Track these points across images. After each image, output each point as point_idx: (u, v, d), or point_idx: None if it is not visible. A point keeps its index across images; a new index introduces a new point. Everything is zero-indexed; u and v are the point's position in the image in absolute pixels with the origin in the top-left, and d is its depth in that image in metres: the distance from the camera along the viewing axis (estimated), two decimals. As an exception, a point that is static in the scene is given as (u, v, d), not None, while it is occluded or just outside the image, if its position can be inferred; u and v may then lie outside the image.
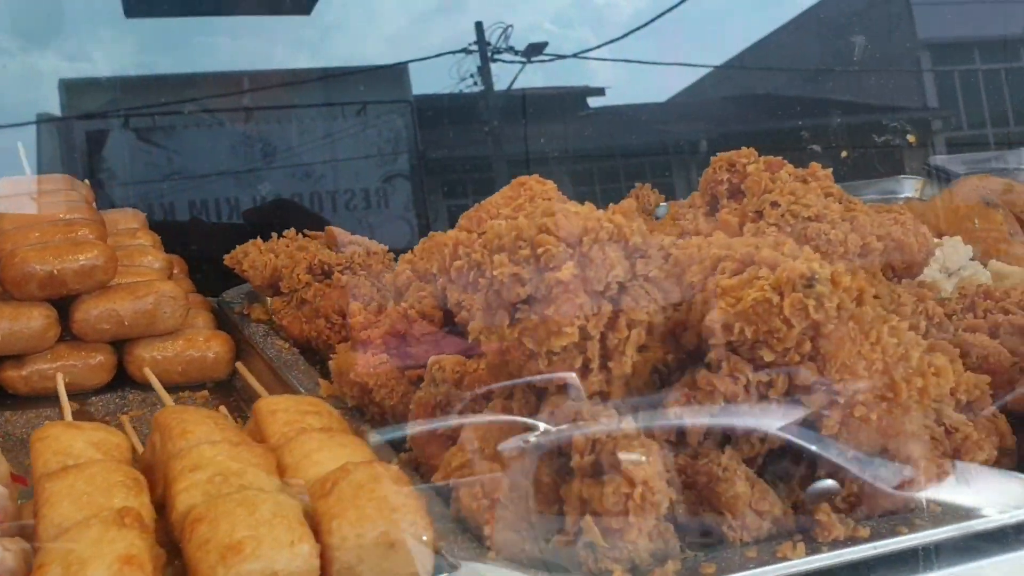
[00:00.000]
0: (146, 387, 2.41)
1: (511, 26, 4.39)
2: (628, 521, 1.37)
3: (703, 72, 4.65)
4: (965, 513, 1.52)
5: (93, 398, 2.42)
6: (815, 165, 2.09)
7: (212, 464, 1.55)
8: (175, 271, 2.79)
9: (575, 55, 4.57)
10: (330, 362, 2.04)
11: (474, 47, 4.37)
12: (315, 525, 1.43)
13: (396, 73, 4.28)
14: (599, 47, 4.54)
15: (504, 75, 4.43)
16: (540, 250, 1.50)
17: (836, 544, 1.43)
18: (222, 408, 2.21)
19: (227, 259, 2.57)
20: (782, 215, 1.83)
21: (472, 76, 4.39)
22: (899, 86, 4.82)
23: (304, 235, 2.63)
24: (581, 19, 4.70)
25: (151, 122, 3.79)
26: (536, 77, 4.51)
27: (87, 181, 2.98)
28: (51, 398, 2.28)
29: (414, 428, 1.77)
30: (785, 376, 1.49)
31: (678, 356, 1.63)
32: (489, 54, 4.36)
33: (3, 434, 2.25)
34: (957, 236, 2.81)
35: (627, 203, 1.63)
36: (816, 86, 4.68)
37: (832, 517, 1.46)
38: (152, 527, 1.47)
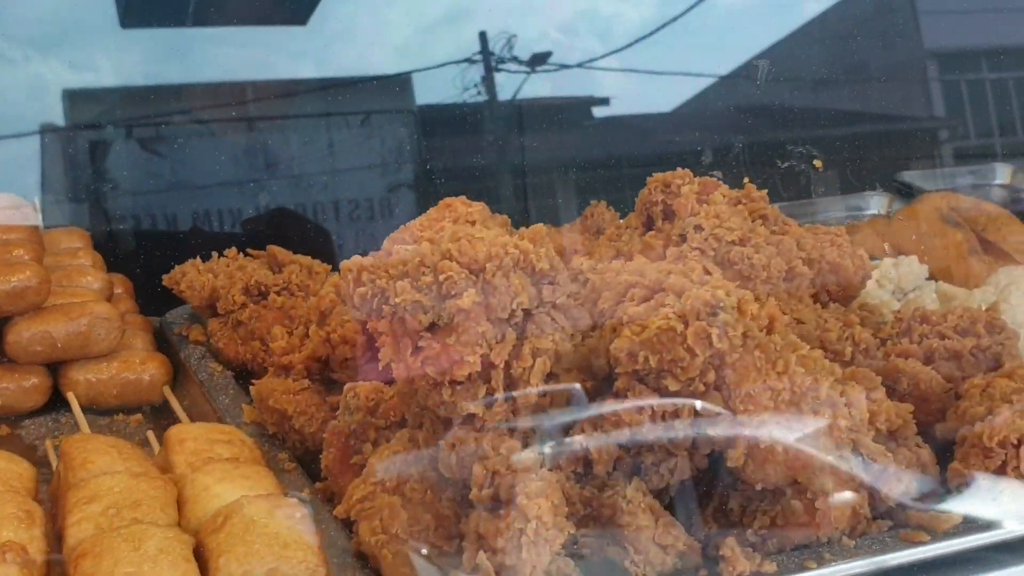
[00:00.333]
0: (81, 410, 2.37)
1: (515, 36, 4.36)
2: (521, 557, 1.34)
3: (709, 82, 4.61)
4: (879, 548, 1.48)
5: (26, 421, 2.38)
6: (750, 186, 2.06)
7: (108, 496, 1.52)
8: (119, 291, 2.76)
9: (579, 65, 4.54)
10: (251, 387, 2.00)
11: (478, 57, 4.35)
12: (204, 561, 1.39)
13: (400, 83, 4.26)
14: (604, 57, 4.52)
15: (509, 85, 4.40)
16: (442, 277, 1.46)
17: (741, 580, 1.39)
18: (149, 434, 2.18)
19: (166, 279, 2.53)
20: (705, 239, 1.80)
21: (476, 86, 4.36)
22: (905, 96, 4.78)
23: (247, 254, 2.59)
24: (588, 29, 4.66)
25: (154, 132, 3.76)
26: (542, 87, 4.49)
27: (36, 200, 2.95)
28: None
29: (327, 457, 1.73)
30: (691, 406, 1.45)
31: (595, 384, 1.59)
32: (493, 64, 4.34)
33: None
34: (913, 256, 2.77)
35: (537, 228, 1.59)
36: (822, 96, 4.65)
37: (737, 552, 1.42)
38: (42, 561, 1.43)
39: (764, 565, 1.42)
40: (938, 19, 4.79)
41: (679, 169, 2.12)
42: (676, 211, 1.90)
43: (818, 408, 1.45)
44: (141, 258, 3.31)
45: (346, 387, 1.75)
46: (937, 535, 1.51)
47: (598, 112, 4.70)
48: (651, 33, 4.42)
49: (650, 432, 1.47)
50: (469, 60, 4.32)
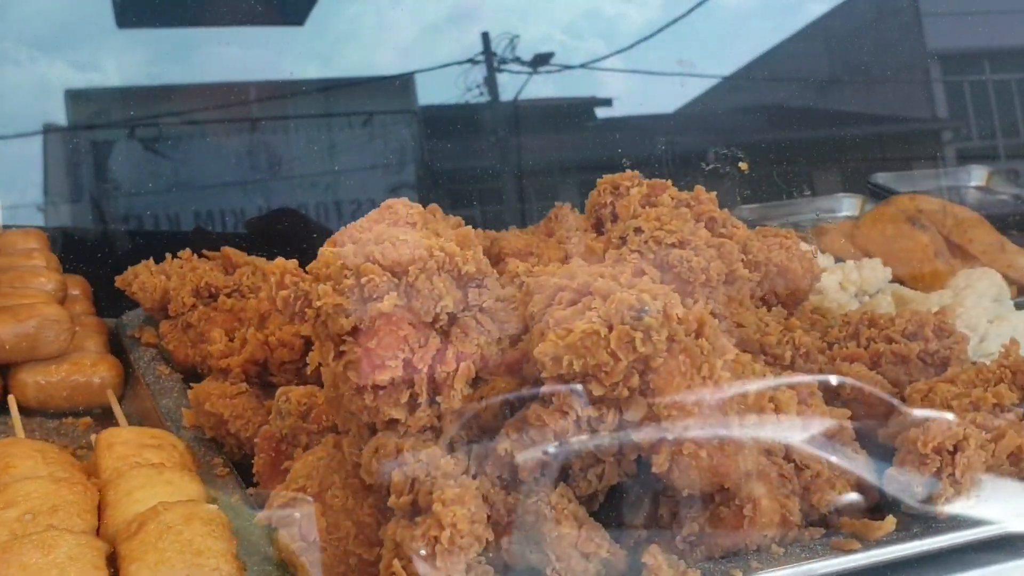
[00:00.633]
0: (31, 413, 2.34)
1: (517, 36, 4.36)
2: (436, 566, 1.31)
3: (712, 83, 4.60)
4: (808, 556, 1.46)
5: (-26, 424, 2.36)
6: (699, 188, 2.03)
7: (26, 501, 1.49)
8: (75, 293, 2.73)
9: (582, 65, 4.54)
10: (189, 392, 1.98)
11: (481, 58, 4.34)
12: (117, 568, 1.37)
13: (403, 84, 4.25)
14: (606, 57, 4.51)
15: (513, 86, 4.39)
16: (364, 280, 1.44)
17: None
18: (93, 437, 2.15)
19: (119, 280, 2.51)
20: (645, 241, 1.77)
21: (479, 87, 4.35)
22: (909, 96, 4.77)
23: (201, 256, 2.57)
24: (592, 30, 4.65)
25: (157, 132, 3.75)
26: (546, 88, 4.49)
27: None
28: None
29: (259, 462, 1.71)
30: (615, 411, 1.42)
31: (525, 389, 1.56)
32: (496, 65, 4.33)
33: None
34: (876, 258, 2.75)
35: (465, 230, 1.56)
36: (826, 97, 4.64)
37: (660, 560, 1.39)
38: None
39: (688, 573, 1.40)
40: (939, 20, 4.77)
41: (626, 172, 2.10)
42: (618, 213, 1.88)
43: (745, 413, 1.42)
44: (109, 259, 3.28)
45: (278, 391, 1.73)
46: (869, 543, 1.48)
47: (600, 112, 4.70)
48: (653, 34, 4.41)
49: (575, 437, 1.44)
50: (472, 61, 4.32)
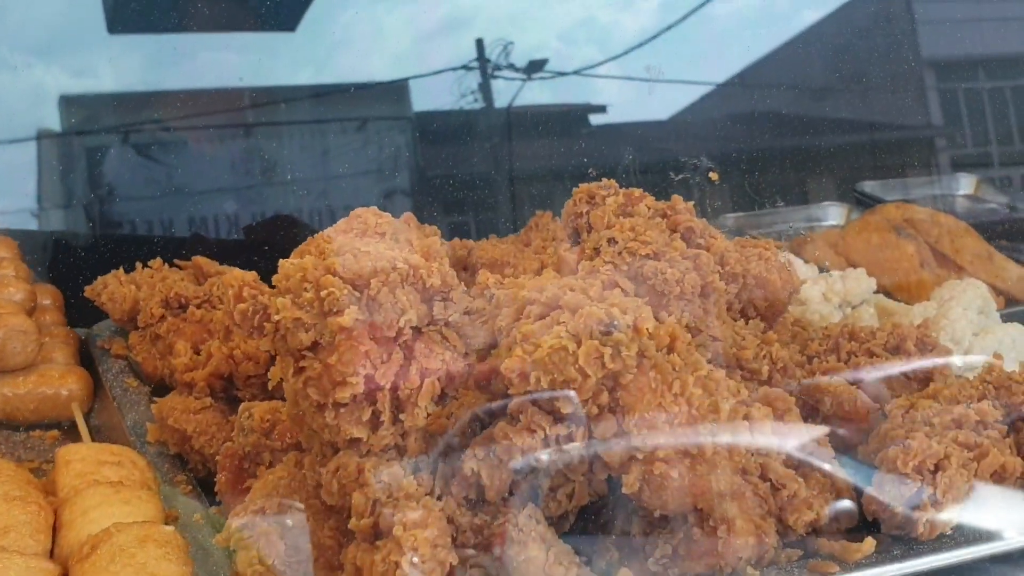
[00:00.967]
0: (-1, 425, 2.30)
1: (512, 43, 4.33)
2: (396, 592, 1.26)
3: (705, 90, 4.59)
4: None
5: (-62, 438, 2.30)
6: (676, 198, 1.98)
7: (-24, 522, 1.44)
8: (46, 302, 2.68)
9: (576, 72, 4.52)
10: (153, 406, 1.93)
11: (475, 64, 4.31)
12: (66, 593, 1.32)
13: (397, 90, 4.23)
14: (600, 64, 4.49)
15: (507, 92, 4.37)
16: (324, 293, 1.39)
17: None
18: (61, 449, 2.10)
19: (88, 291, 2.46)
20: (619, 253, 1.72)
21: (473, 93, 4.33)
22: (903, 104, 4.74)
23: (172, 265, 2.52)
24: (587, 37, 4.63)
25: (151, 138, 3.71)
26: (541, 95, 4.47)
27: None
28: None
29: (221, 480, 1.66)
30: (584, 430, 1.37)
31: (493, 406, 1.51)
32: (490, 71, 4.30)
33: None
34: (861, 268, 2.70)
35: (431, 241, 1.51)
36: (820, 105, 4.62)
37: (630, 584, 1.35)
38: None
39: (659, 598, 1.35)
40: (933, 28, 4.75)
41: (603, 180, 2.05)
42: (592, 223, 1.83)
43: (717, 431, 1.37)
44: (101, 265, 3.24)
45: (241, 407, 1.68)
46: (848, 566, 1.44)
47: (594, 119, 4.68)
48: (647, 41, 4.39)
49: (544, 456, 1.40)
50: (466, 67, 4.29)
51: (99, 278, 2.46)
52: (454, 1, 4.37)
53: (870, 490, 1.54)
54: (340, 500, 1.40)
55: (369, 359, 1.39)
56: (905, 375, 1.84)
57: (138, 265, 2.49)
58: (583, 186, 2.04)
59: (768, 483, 1.49)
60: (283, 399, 1.69)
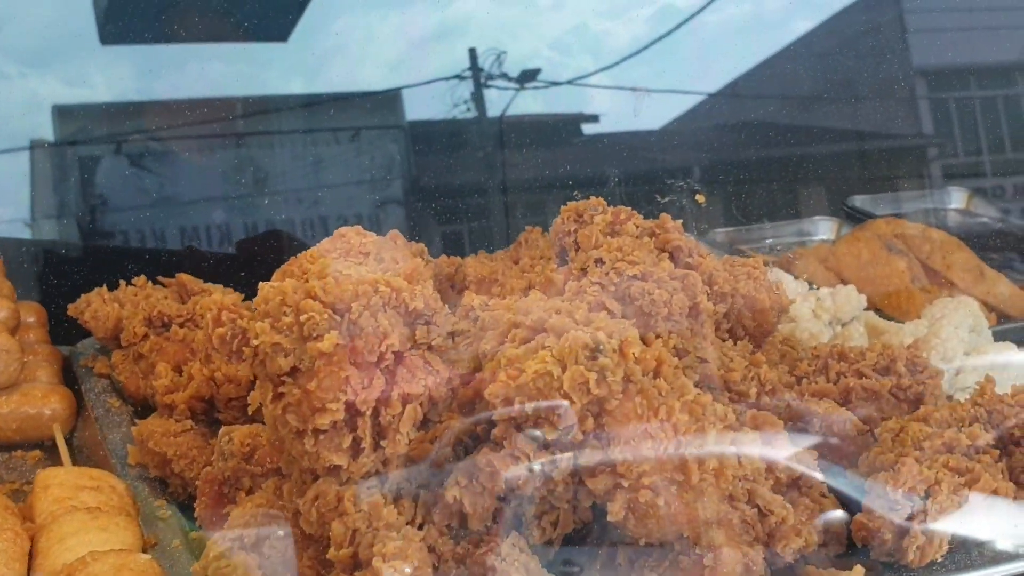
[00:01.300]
0: (-18, 447, 2.26)
1: (505, 52, 4.33)
2: (375, 625, 1.23)
3: (698, 99, 4.59)
4: None
5: (-84, 459, 2.27)
6: (665, 216, 1.96)
7: (-52, 552, 1.41)
8: (30, 320, 2.65)
9: (569, 82, 4.52)
10: (133, 428, 1.90)
11: (468, 73, 4.31)
12: (39, 625, 1.29)
13: (390, 99, 4.22)
14: (593, 74, 4.49)
15: (500, 102, 4.37)
16: (303, 317, 1.36)
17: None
18: (39, 473, 2.07)
19: (71, 309, 2.43)
20: (606, 273, 1.70)
21: (466, 102, 4.33)
22: (895, 114, 4.74)
23: (157, 282, 2.49)
24: (579, 46, 4.64)
25: (144, 148, 3.69)
26: (534, 104, 4.47)
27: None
28: None
29: (200, 506, 1.63)
30: (569, 457, 1.35)
31: (478, 432, 1.49)
32: (483, 80, 4.30)
33: None
34: (851, 285, 2.68)
35: (415, 263, 1.49)
36: (811, 115, 4.62)
37: (615, 615, 1.32)
38: None
39: (644, 628, 1.32)
40: (924, 37, 4.75)
41: (591, 199, 2.03)
42: (580, 243, 1.81)
43: (704, 457, 1.35)
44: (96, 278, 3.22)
45: (221, 431, 1.65)
46: (837, 594, 1.41)
47: (587, 129, 4.68)
48: (640, 50, 4.39)
49: (528, 484, 1.37)
50: (459, 76, 4.29)
51: (82, 296, 2.43)
52: (446, 11, 4.35)
53: (860, 516, 1.51)
54: (319, 529, 1.37)
55: (350, 384, 1.36)
56: (895, 396, 1.81)
57: (121, 283, 2.46)
58: (571, 204, 2.02)
59: (756, 509, 1.46)
60: (263, 422, 1.67)
